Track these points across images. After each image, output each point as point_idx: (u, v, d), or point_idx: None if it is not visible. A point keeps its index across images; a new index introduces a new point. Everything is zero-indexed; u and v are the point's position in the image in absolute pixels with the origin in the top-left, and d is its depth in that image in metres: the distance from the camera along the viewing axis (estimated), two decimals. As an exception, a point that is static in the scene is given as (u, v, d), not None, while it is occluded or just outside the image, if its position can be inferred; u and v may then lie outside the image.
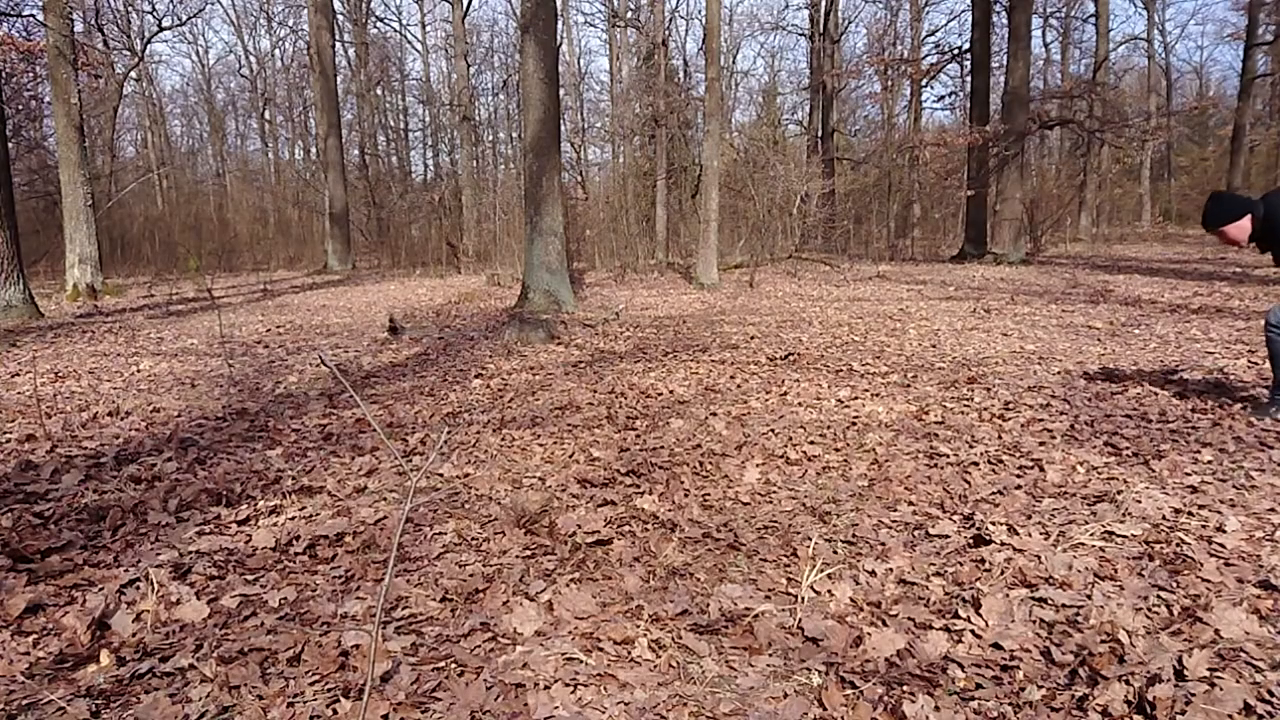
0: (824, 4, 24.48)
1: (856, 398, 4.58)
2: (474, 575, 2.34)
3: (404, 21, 44.32)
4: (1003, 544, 2.37)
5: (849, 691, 1.71)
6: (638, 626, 2.00)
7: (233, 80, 33.61)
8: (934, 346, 6.32)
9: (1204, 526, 2.41)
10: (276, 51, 32.11)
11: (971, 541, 2.45)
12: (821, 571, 2.28)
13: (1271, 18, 20.84)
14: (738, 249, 17.16)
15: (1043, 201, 18.74)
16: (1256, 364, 4.91)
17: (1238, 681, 1.61)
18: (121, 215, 20.62)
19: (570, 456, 3.62)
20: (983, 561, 2.30)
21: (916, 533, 2.58)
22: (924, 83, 24.49)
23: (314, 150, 26.69)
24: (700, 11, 30.73)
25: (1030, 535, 2.42)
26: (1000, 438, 3.61)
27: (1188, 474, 2.92)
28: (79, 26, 19.13)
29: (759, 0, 49.22)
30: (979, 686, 1.71)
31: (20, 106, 18.04)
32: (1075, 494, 2.80)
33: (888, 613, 2.06)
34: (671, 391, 4.94)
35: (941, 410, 4.19)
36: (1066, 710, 1.61)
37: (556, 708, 1.67)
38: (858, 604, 2.13)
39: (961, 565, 2.30)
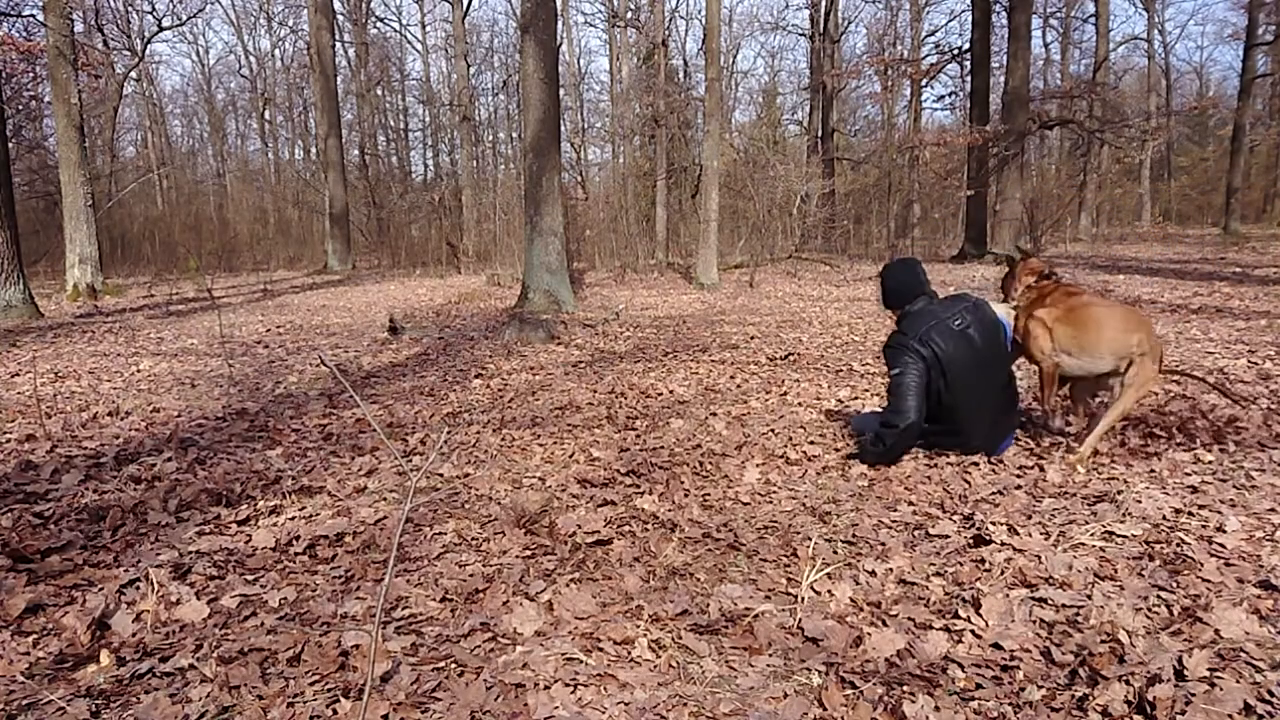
0: (824, 4, 24.48)
1: (857, 398, 4.58)
2: (474, 575, 2.34)
3: (404, 21, 44.34)
4: (1003, 544, 2.37)
5: (849, 691, 1.71)
6: (638, 626, 2.00)
7: (233, 80, 33.64)
8: (934, 346, 6.31)
9: (1204, 526, 2.41)
10: (276, 51, 32.12)
11: (971, 541, 2.45)
12: (821, 571, 2.28)
13: (1271, 18, 20.82)
14: (738, 249, 17.17)
15: (1043, 201, 18.73)
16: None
17: (1238, 681, 1.61)
18: (121, 215, 20.63)
19: (570, 456, 3.61)
20: (983, 561, 2.30)
21: (916, 533, 2.58)
22: (924, 83, 24.51)
23: (314, 150, 26.68)
24: (700, 11, 30.75)
25: (1030, 535, 2.42)
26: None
27: (1188, 474, 2.92)
28: (79, 26, 19.15)
29: (759, 0, 49.25)
30: (979, 686, 1.71)
31: (20, 106, 18.05)
32: (1075, 494, 2.80)
33: (888, 613, 2.06)
34: (671, 391, 4.93)
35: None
36: (1066, 710, 1.61)
37: (556, 708, 1.67)
38: (858, 604, 2.13)
39: (961, 565, 2.30)
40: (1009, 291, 3.67)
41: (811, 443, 3.66)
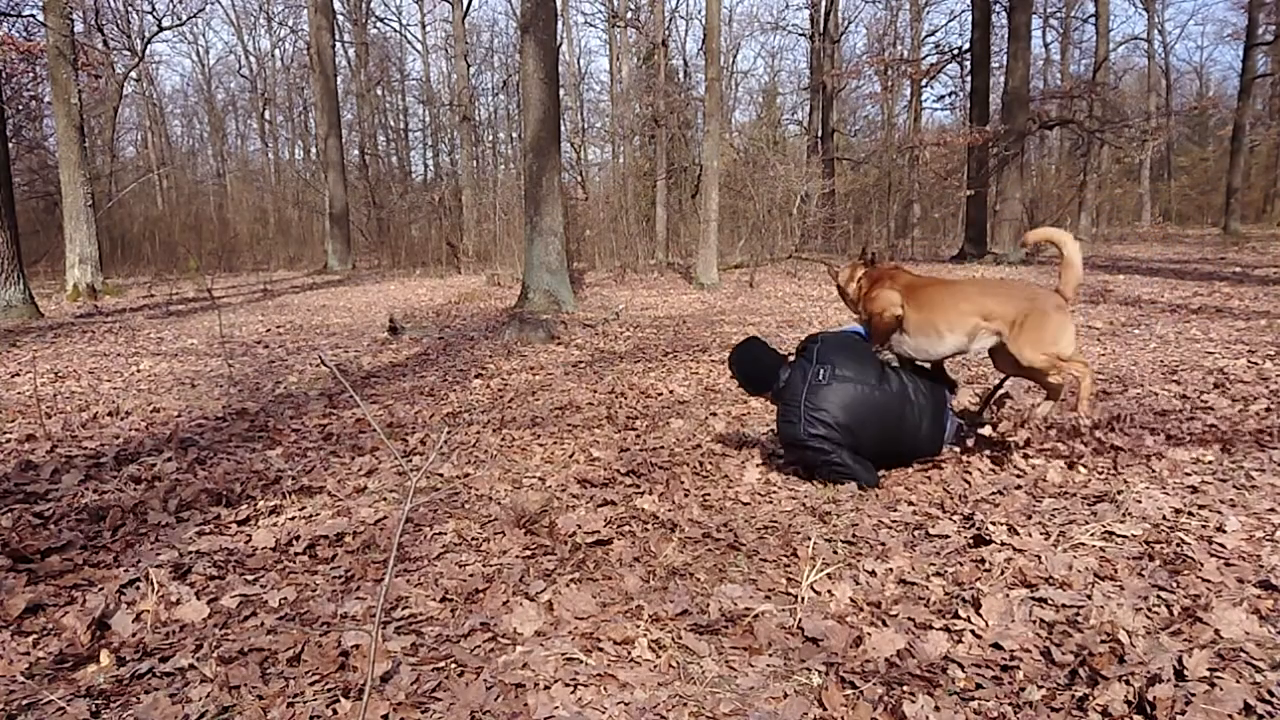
0: (824, 4, 24.50)
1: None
2: (474, 575, 2.34)
3: (404, 21, 44.27)
4: (1003, 544, 2.37)
5: (849, 691, 1.71)
6: (638, 626, 2.00)
7: (233, 80, 33.66)
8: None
9: (1204, 526, 2.41)
10: (276, 51, 32.14)
11: (971, 541, 2.45)
12: (821, 571, 2.28)
13: (1271, 18, 20.82)
14: (738, 249, 17.17)
15: (1043, 201, 18.78)
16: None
17: (1238, 681, 1.61)
18: (121, 215, 20.64)
19: (570, 456, 3.61)
20: (983, 561, 2.30)
21: (916, 533, 2.58)
22: (924, 83, 24.53)
23: (314, 150, 26.70)
24: (700, 11, 30.73)
25: (1030, 535, 2.42)
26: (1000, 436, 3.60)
27: (1188, 474, 2.92)
28: (79, 26, 19.15)
29: (759, 0, 49.27)
30: (979, 686, 1.71)
31: (20, 106, 18.05)
32: (1075, 494, 2.80)
33: (888, 613, 2.06)
34: (671, 391, 4.94)
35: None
36: (1066, 710, 1.61)
37: (556, 708, 1.67)
38: (858, 604, 2.13)
39: (961, 565, 2.30)
40: (849, 303, 3.57)
41: (811, 443, 3.66)
